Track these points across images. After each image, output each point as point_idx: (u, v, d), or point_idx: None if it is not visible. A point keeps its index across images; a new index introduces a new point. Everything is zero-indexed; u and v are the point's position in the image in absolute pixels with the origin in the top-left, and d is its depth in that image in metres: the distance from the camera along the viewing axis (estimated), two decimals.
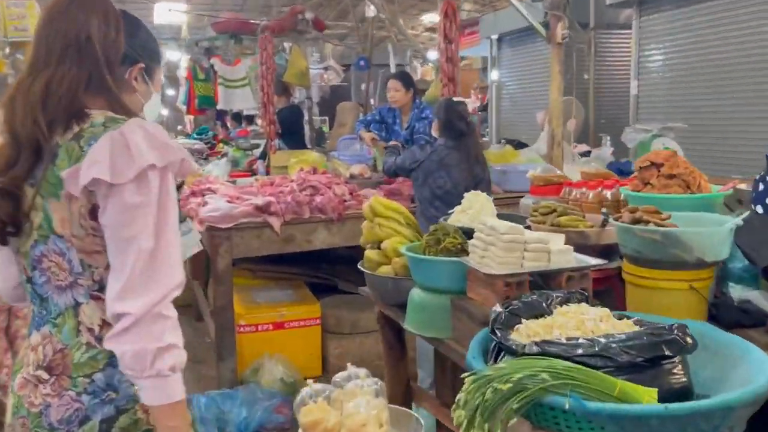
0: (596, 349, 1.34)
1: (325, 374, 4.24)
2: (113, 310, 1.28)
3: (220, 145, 8.56)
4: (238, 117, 11.66)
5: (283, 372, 3.70)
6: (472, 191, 2.61)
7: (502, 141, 6.66)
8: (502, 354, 1.49)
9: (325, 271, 4.87)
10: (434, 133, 3.82)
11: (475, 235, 1.95)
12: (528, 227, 2.22)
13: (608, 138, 6.04)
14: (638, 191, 2.30)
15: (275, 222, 3.76)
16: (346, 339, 4.32)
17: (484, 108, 12.83)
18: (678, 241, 1.81)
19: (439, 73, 6.11)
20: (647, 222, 1.88)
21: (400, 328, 2.41)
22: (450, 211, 2.64)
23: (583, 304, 1.58)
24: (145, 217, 1.29)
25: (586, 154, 5.84)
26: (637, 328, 1.49)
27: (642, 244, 1.86)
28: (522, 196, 4.34)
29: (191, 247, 2.21)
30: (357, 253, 2.69)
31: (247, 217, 3.74)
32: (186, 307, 5.44)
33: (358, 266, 2.50)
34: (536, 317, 1.61)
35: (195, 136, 9.08)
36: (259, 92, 6.84)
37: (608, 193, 2.52)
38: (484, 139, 8.93)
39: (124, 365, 1.28)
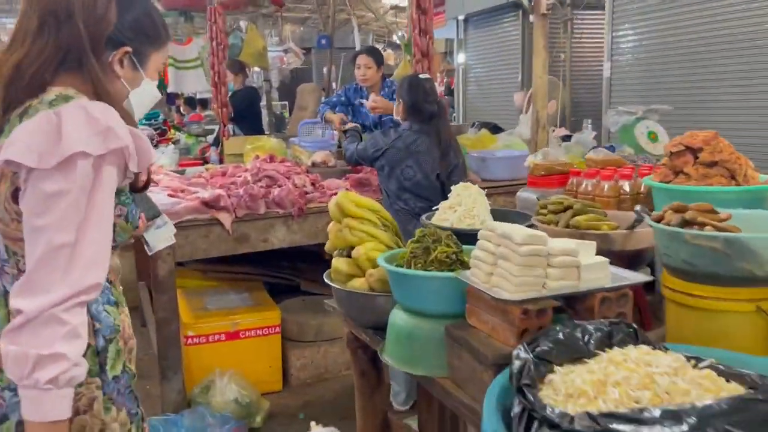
0: (686, 428, 0.90)
1: (287, 388, 3.78)
2: (11, 305, 1.18)
3: (172, 131, 7.98)
4: (192, 101, 11.03)
5: (237, 391, 3.20)
6: (461, 183, 2.15)
7: (476, 124, 6.18)
8: (534, 424, 1.03)
9: (286, 269, 4.41)
10: (397, 116, 3.30)
11: (478, 244, 1.48)
12: (531, 227, 1.77)
13: (589, 121, 5.63)
14: (668, 182, 1.86)
15: (225, 219, 3.25)
16: (309, 348, 3.86)
17: (450, 92, 12.41)
18: (745, 250, 1.38)
19: (407, 52, 5.64)
20: (702, 225, 1.44)
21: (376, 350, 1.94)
22: (434, 207, 2.17)
23: (643, 347, 1.13)
24: (62, 209, 1.17)
25: (567, 138, 5.42)
26: (722, 382, 1.05)
27: (695, 253, 1.42)
28: (502, 186, 3.95)
29: (164, 239, 1.94)
30: (322, 249, 2.22)
31: (193, 214, 3.22)
32: (133, 309, 4.90)
33: (324, 278, 2.01)
34: (572, 361, 1.16)
35: (144, 121, 8.43)
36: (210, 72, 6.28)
37: (626, 184, 2.07)
38: (454, 124, 8.49)
39: (6, 368, 1.18)
